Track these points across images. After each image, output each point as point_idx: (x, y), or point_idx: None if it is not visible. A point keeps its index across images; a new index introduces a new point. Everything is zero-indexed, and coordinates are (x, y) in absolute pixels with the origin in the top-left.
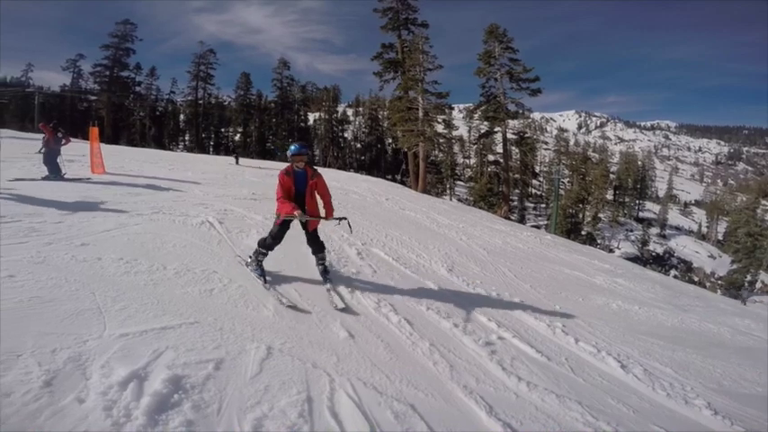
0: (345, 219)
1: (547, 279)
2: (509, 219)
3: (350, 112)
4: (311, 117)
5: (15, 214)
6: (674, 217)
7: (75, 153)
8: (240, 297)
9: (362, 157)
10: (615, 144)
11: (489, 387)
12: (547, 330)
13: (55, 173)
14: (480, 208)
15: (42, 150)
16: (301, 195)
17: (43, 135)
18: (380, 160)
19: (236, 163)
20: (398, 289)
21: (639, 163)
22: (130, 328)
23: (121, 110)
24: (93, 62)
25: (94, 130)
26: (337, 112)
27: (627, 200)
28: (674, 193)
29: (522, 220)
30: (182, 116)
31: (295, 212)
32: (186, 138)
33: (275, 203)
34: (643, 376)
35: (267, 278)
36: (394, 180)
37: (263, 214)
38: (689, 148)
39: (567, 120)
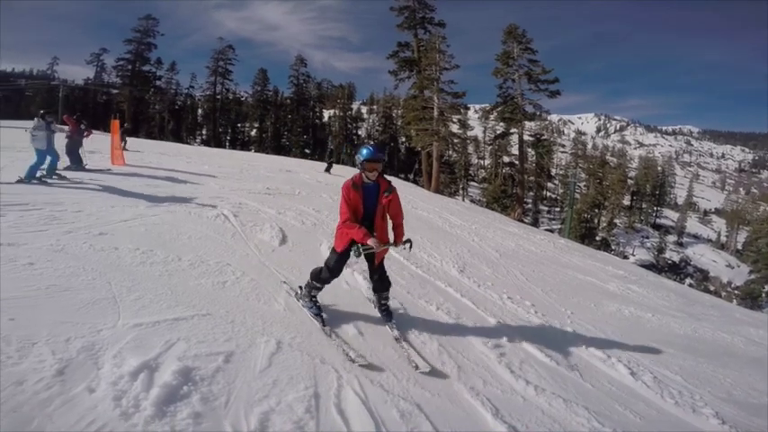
0: (410, 241)
1: (559, 284)
2: (522, 221)
3: (364, 109)
4: (326, 114)
5: (37, 202)
6: (693, 225)
7: (96, 145)
8: (252, 290)
9: None
10: (635, 149)
11: (496, 389)
12: (557, 335)
13: (76, 163)
14: (493, 210)
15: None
16: (370, 216)
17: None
18: (393, 159)
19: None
20: (408, 288)
21: (659, 168)
22: (144, 318)
23: (142, 103)
24: (116, 56)
25: (116, 123)
26: (352, 109)
27: (644, 206)
28: (693, 201)
29: (535, 224)
30: (200, 110)
31: (368, 241)
32: (204, 132)
33: (334, 225)
34: (652, 384)
35: (324, 316)
36: (407, 179)
37: (276, 209)
38: (711, 155)
39: (586, 123)
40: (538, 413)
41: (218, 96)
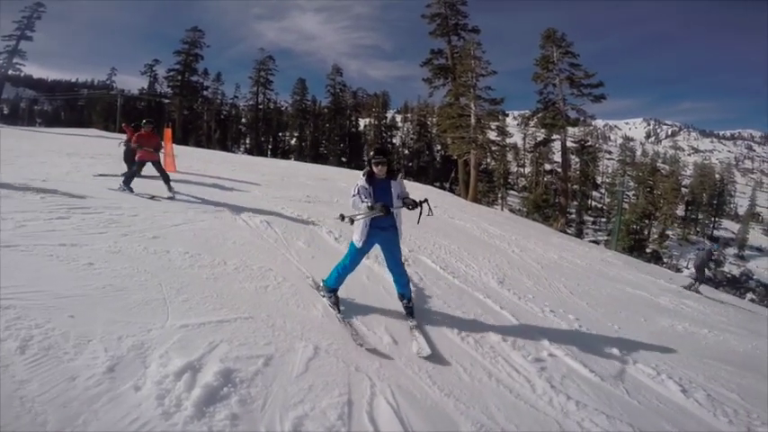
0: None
1: (606, 297)
2: (566, 232)
3: (398, 118)
4: (361, 123)
5: (98, 207)
6: (756, 237)
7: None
8: (292, 296)
9: (410, 164)
10: (689, 155)
11: (535, 404)
12: (603, 350)
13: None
14: (534, 220)
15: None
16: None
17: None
18: (429, 167)
19: None
20: (445, 298)
21: (717, 176)
22: (191, 319)
23: (191, 113)
24: (167, 67)
25: (168, 132)
26: (386, 118)
27: (700, 217)
28: (756, 211)
29: (579, 235)
30: (243, 120)
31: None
32: (247, 141)
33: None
34: (705, 401)
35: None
36: (443, 188)
37: (315, 216)
38: None
39: (634, 128)
40: (577, 429)
41: (261, 106)
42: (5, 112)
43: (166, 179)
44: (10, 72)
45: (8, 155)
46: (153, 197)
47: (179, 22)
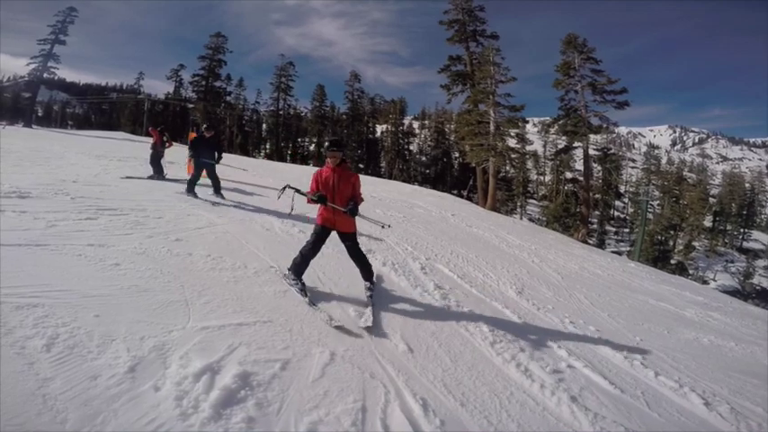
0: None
1: (628, 309)
2: (587, 243)
3: (416, 124)
4: (378, 129)
5: (125, 208)
6: None
7: (174, 156)
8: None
9: (427, 171)
10: (717, 163)
11: (551, 416)
12: (623, 362)
13: (158, 173)
14: (554, 229)
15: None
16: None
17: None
18: (446, 174)
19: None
20: (462, 307)
21: (747, 185)
22: (211, 321)
23: (214, 117)
24: (191, 72)
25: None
26: (403, 124)
27: (729, 227)
28: None
29: (601, 245)
30: (264, 125)
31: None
32: (267, 146)
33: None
34: (728, 415)
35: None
36: (460, 195)
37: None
38: None
39: (659, 135)
40: None
41: (281, 112)
42: (40, 114)
43: (369, 274)
44: (45, 75)
45: (41, 155)
46: (337, 325)
47: (202, 27)
